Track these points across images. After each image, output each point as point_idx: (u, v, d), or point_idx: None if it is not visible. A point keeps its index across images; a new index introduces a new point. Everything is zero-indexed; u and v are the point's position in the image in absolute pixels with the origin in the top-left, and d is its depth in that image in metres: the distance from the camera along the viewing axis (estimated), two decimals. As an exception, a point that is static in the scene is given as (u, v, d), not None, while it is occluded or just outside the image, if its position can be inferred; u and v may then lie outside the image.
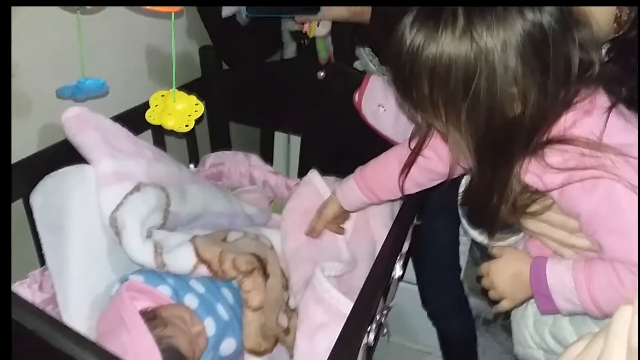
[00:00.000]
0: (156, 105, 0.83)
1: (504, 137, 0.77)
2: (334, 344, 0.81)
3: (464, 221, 1.01)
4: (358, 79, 1.38)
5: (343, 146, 1.55)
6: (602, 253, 0.80)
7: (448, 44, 0.72)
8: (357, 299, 0.80)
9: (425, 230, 1.32)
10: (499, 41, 0.71)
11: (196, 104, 0.82)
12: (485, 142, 0.78)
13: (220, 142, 1.57)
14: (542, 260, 0.86)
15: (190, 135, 1.50)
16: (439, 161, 1.00)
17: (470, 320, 1.65)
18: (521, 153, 0.79)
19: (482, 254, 2.25)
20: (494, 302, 0.96)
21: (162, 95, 0.84)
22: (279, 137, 1.68)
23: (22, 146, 1.06)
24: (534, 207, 0.84)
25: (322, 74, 1.42)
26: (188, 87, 1.34)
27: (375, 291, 0.84)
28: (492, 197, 0.83)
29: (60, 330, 0.68)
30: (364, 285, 0.83)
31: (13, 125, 1.03)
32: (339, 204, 1.16)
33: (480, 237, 0.99)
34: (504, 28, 0.71)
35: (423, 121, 0.87)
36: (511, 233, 0.97)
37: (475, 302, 2.21)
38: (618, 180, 0.73)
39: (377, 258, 0.93)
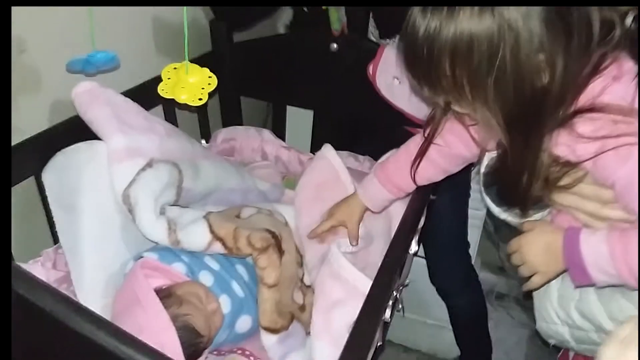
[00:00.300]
0: (169, 79, 0.81)
1: (534, 109, 0.75)
2: (353, 320, 0.80)
3: (488, 201, 0.98)
4: (372, 51, 1.34)
5: (357, 120, 1.53)
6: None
7: (468, 21, 0.71)
8: (376, 277, 0.79)
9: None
10: (521, 9, 0.70)
11: (209, 77, 0.80)
12: (515, 116, 0.76)
13: (232, 117, 1.55)
14: (576, 231, 0.84)
15: (201, 111, 1.48)
16: (463, 146, 0.98)
17: (480, 297, 1.64)
18: (551, 124, 0.77)
19: (495, 228, 2.24)
20: (524, 280, 0.94)
21: (175, 68, 0.82)
22: (292, 111, 1.65)
23: (33, 122, 1.04)
24: (566, 180, 0.82)
25: (335, 46, 1.38)
26: (198, 61, 1.32)
27: (394, 268, 0.83)
28: (524, 173, 0.81)
29: (75, 309, 0.66)
30: (382, 262, 0.81)
31: (23, 101, 1.02)
32: (362, 205, 1.10)
33: (504, 215, 0.97)
34: None
35: (445, 104, 0.84)
36: (537, 209, 0.94)
37: (488, 277, 2.22)
38: None
39: (395, 234, 0.91)
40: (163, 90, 0.80)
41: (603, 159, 0.76)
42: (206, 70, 0.81)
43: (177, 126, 1.26)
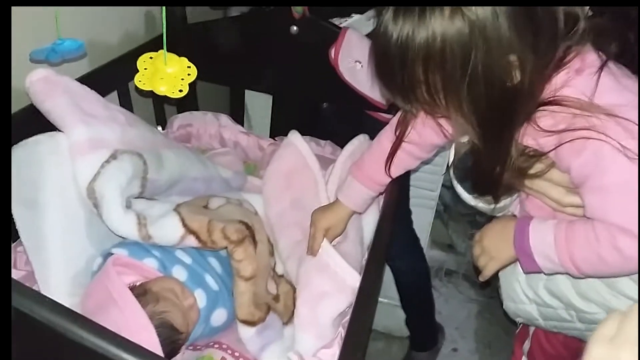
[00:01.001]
0: (145, 69, 0.76)
1: (505, 108, 0.76)
2: (339, 313, 0.80)
3: (460, 189, 1.00)
4: (334, 34, 1.33)
5: (317, 105, 1.52)
6: (585, 212, 0.81)
7: (439, 25, 0.70)
8: (365, 270, 0.79)
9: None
10: (489, 10, 0.70)
11: (188, 67, 0.77)
12: (488, 117, 0.77)
13: (188, 102, 1.49)
14: (527, 220, 0.88)
15: (156, 96, 1.42)
16: (436, 136, 0.99)
17: (422, 260, 1.68)
18: (522, 119, 0.78)
19: (444, 207, 2.30)
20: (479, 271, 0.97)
21: (151, 58, 0.77)
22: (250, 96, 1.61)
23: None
24: (539, 167, 0.84)
25: (295, 28, 1.35)
26: (152, 44, 1.27)
27: (382, 258, 0.83)
28: (496, 166, 0.83)
29: (68, 317, 0.63)
30: (370, 253, 0.81)
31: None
32: (348, 210, 1.07)
33: (475, 202, 0.99)
34: None
35: (417, 111, 0.84)
36: (506, 195, 0.97)
37: (437, 254, 2.28)
38: (607, 140, 0.73)
39: (378, 226, 0.91)
40: (140, 82, 0.75)
41: (560, 150, 0.78)
42: (185, 60, 0.78)
43: (133, 113, 1.21)
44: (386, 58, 0.76)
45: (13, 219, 0.91)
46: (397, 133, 1.00)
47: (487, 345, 1.97)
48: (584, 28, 0.76)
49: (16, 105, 1.00)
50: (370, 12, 1.43)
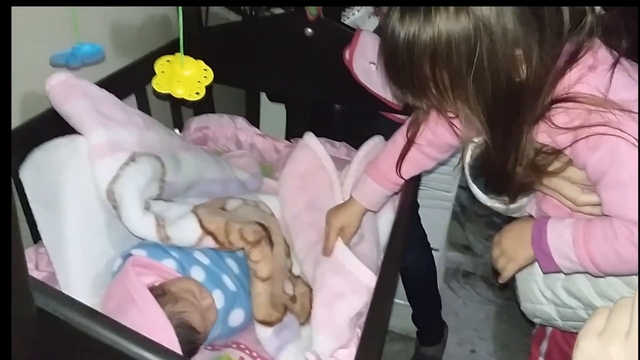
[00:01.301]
0: (162, 72, 0.78)
1: (512, 103, 0.77)
2: (355, 313, 0.80)
3: (475, 189, 1.00)
4: (348, 36, 1.33)
5: (332, 106, 1.52)
6: (603, 209, 0.81)
7: (444, 23, 0.72)
8: (381, 270, 0.79)
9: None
10: (494, 8, 0.71)
11: (205, 70, 0.78)
12: (495, 111, 0.78)
13: (204, 105, 1.50)
14: (545, 219, 0.87)
15: (173, 99, 1.44)
16: (450, 135, 0.98)
17: (429, 255, 1.68)
18: (531, 115, 0.79)
19: (461, 208, 2.29)
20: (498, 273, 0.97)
21: (168, 61, 0.79)
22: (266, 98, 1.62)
23: (4, 117, 0.98)
24: (556, 165, 0.84)
25: (309, 30, 1.36)
26: (168, 48, 1.28)
27: (397, 259, 0.83)
28: (507, 163, 0.83)
29: (93, 317, 0.64)
30: (385, 254, 0.81)
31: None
32: (362, 208, 1.08)
33: (491, 202, 0.98)
34: None
35: (428, 107, 0.85)
36: (522, 195, 0.97)
37: (455, 256, 2.27)
38: (622, 136, 0.73)
39: (393, 227, 0.91)
40: (158, 85, 0.77)
41: (576, 147, 0.78)
42: (201, 63, 0.79)
43: (151, 116, 1.22)
44: (395, 58, 0.77)
45: (34, 220, 0.93)
46: (409, 134, 1.00)
47: (505, 346, 1.96)
48: (591, 23, 0.76)
49: (37, 109, 1.02)
50: (370, 9, 1.43)
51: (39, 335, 0.57)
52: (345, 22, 1.41)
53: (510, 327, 2.00)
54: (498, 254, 0.95)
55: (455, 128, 0.92)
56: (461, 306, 2.12)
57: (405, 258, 1.59)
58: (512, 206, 0.98)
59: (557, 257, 0.84)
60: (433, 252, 1.80)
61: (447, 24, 0.72)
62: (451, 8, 0.71)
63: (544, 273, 0.95)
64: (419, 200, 1.61)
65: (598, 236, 0.80)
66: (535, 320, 1.06)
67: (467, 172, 1.01)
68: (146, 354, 0.61)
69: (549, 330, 1.12)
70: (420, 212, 1.63)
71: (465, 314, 2.08)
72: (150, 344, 0.64)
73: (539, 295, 1.00)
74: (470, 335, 2.00)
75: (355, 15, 1.46)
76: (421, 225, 1.65)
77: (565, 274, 0.88)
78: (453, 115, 0.87)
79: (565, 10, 0.75)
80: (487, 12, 0.71)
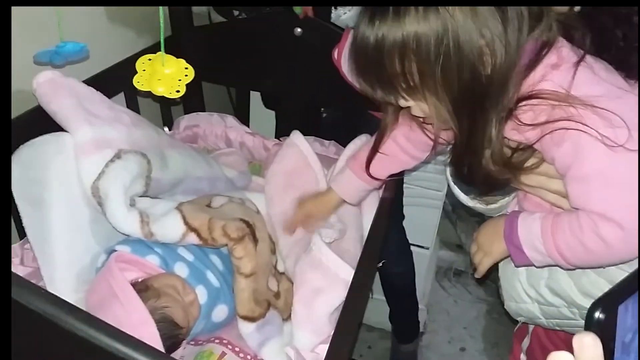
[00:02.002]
0: (144, 70, 0.79)
1: (479, 95, 0.78)
2: (334, 308, 0.81)
3: (456, 190, 1.01)
4: (337, 35, 1.34)
5: (321, 105, 1.53)
6: (569, 201, 0.82)
7: (414, 24, 0.74)
8: (359, 264, 0.80)
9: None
10: (465, 8, 0.73)
11: (186, 68, 0.79)
12: (461, 102, 0.79)
13: (194, 103, 1.52)
14: (517, 213, 0.89)
15: (157, 97, 1.45)
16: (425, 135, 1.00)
17: (411, 264, 1.70)
18: (495, 110, 0.80)
19: (453, 207, 2.30)
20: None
21: (149, 60, 0.80)
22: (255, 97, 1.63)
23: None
24: (532, 161, 0.85)
25: (299, 30, 1.37)
26: (158, 47, 1.29)
27: (374, 254, 0.84)
28: (475, 156, 0.84)
29: (68, 310, 0.65)
30: (364, 249, 0.82)
31: (-20, 92, 0.97)
32: (338, 199, 1.10)
33: (472, 202, 0.99)
34: None
35: (396, 102, 0.86)
36: (501, 195, 0.98)
37: (446, 254, 2.28)
38: (585, 130, 0.74)
39: (373, 222, 0.92)
40: (139, 83, 0.78)
41: (542, 142, 0.80)
42: (182, 62, 0.80)
43: (139, 114, 1.23)
44: (365, 58, 0.79)
45: (20, 216, 0.94)
46: (375, 140, 1.02)
47: (495, 345, 1.97)
48: (549, 19, 0.78)
49: (23, 107, 1.03)
50: (360, 9, 1.44)
51: (13, 327, 0.58)
52: (335, 22, 1.42)
53: (500, 326, 2.01)
54: (475, 250, 0.96)
55: (427, 132, 0.94)
56: (452, 304, 2.13)
57: (392, 268, 1.61)
58: (493, 206, 0.99)
59: (527, 249, 0.86)
60: (422, 250, 1.82)
61: (417, 25, 0.73)
62: (420, 8, 0.73)
63: (516, 266, 0.96)
64: (408, 199, 1.62)
65: (565, 228, 0.81)
66: (519, 318, 1.06)
67: (447, 173, 1.02)
68: (118, 346, 0.62)
69: (531, 326, 1.13)
70: (411, 210, 1.64)
71: (456, 312, 2.10)
72: (126, 337, 0.64)
73: (523, 294, 1.01)
74: (460, 334, 2.01)
75: (346, 15, 1.47)
76: (405, 236, 1.66)
77: (537, 267, 0.90)
78: (422, 115, 0.87)
79: (525, 9, 0.76)
80: (458, 12, 0.73)
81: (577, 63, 0.77)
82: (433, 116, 0.85)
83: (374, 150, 1.03)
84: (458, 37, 0.73)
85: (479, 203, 1.00)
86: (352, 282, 0.76)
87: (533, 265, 0.88)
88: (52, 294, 0.69)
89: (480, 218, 2.38)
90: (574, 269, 0.86)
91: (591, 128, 0.73)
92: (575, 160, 0.77)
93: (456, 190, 1.01)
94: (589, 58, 0.78)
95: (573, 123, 0.74)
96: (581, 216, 0.79)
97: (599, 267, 0.86)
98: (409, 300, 1.77)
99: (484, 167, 0.85)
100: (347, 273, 0.85)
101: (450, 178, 1.01)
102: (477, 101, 0.79)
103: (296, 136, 1.25)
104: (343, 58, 1.35)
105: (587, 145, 0.74)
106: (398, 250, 1.62)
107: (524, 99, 0.78)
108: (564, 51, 0.78)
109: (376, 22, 0.76)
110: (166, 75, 0.77)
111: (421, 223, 1.76)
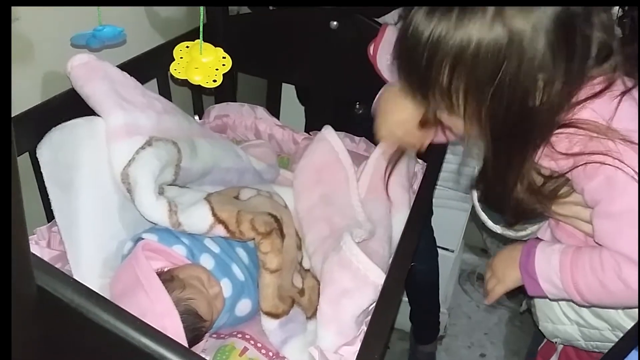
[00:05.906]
0: (181, 58, 0.77)
1: (523, 125, 0.74)
2: (361, 310, 0.79)
3: (483, 217, 0.98)
4: (374, 30, 1.31)
5: (353, 101, 1.51)
6: (594, 237, 0.79)
7: (478, 30, 0.68)
8: (390, 268, 0.78)
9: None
10: (530, 24, 0.67)
11: (223, 57, 0.77)
12: (503, 129, 0.75)
13: (226, 93, 1.50)
14: (536, 242, 0.86)
15: (192, 85, 1.44)
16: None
17: (437, 264, 1.69)
18: (537, 142, 0.76)
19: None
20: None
21: (187, 47, 0.78)
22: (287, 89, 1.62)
23: (25, 95, 0.99)
24: (565, 189, 0.82)
25: (335, 23, 1.35)
26: (192, 34, 1.28)
27: (407, 258, 0.82)
28: (507, 183, 0.81)
29: (97, 302, 0.64)
30: (395, 253, 0.80)
31: (14, 71, 0.96)
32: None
33: (500, 230, 0.97)
34: (536, 10, 0.67)
35: (432, 115, 0.83)
36: (530, 223, 0.95)
37: (471, 258, 2.25)
38: (621, 167, 0.71)
39: (406, 226, 0.90)
40: (176, 70, 0.76)
41: (573, 172, 0.76)
42: (220, 51, 0.78)
43: (171, 101, 1.22)
44: (413, 57, 0.74)
45: (48, 199, 0.94)
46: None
47: (515, 353, 1.94)
48: (616, 60, 0.74)
49: (57, 89, 1.03)
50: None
51: (38, 314, 0.57)
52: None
53: (522, 334, 1.98)
54: (489, 275, 0.94)
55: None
56: (474, 309, 2.10)
57: (418, 265, 1.59)
58: (522, 233, 0.96)
59: (542, 281, 0.83)
60: (448, 253, 1.80)
61: (480, 31, 0.68)
62: (488, 15, 0.67)
63: (530, 296, 0.93)
64: (436, 200, 1.59)
65: (585, 265, 0.78)
66: (555, 340, 1.03)
67: (474, 197, 0.98)
68: (144, 340, 0.61)
69: (560, 346, 1.10)
70: (437, 212, 1.62)
71: (478, 317, 2.07)
72: (148, 329, 0.63)
73: (561, 316, 0.97)
74: (480, 339, 1.98)
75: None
76: (433, 233, 1.64)
77: (551, 299, 0.87)
78: (454, 130, 0.84)
79: (594, 44, 0.72)
80: (522, 27, 0.67)
81: (623, 93, 0.73)
82: (466, 137, 0.82)
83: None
84: (518, 64, 0.68)
85: (507, 231, 0.97)
86: (384, 286, 0.74)
87: (547, 297, 0.85)
88: (79, 283, 0.68)
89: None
90: (589, 306, 0.83)
91: (628, 166, 0.70)
92: (606, 197, 0.74)
93: (484, 217, 0.98)
94: (634, 91, 0.74)
95: (610, 159, 0.71)
96: (604, 255, 0.76)
97: (615, 308, 0.83)
98: (431, 300, 1.75)
99: (515, 195, 0.82)
100: (377, 276, 0.83)
101: (477, 204, 0.97)
102: (519, 132, 0.75)
103: (328, 131, 1.23)
104: (379, 54, 1.32)
105: (623, 182, 0.71)
106: (424, 247, 1.60)
107: (561, 126, 0.74)
108: (616, 81, 0.74)
109: (436, 16, 0.70)
110: (204, 64, 0.76)
111: (448, 225, 1.73)
